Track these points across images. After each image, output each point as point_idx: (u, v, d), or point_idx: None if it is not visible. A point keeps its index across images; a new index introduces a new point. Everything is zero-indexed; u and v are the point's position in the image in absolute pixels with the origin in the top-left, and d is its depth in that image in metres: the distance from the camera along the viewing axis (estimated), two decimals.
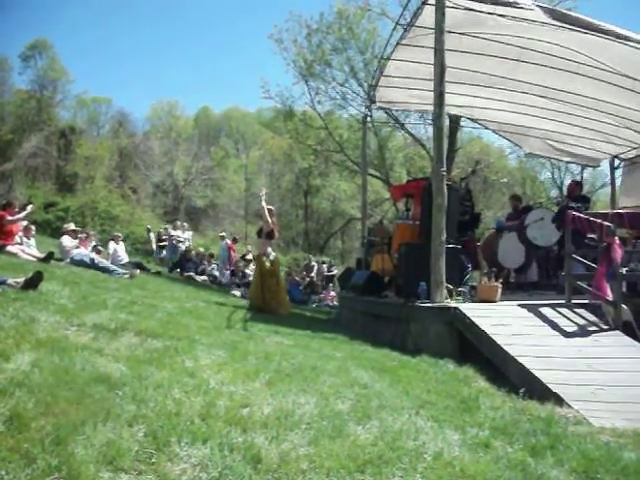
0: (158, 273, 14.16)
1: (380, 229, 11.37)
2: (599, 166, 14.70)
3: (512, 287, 9.67)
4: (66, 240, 11.45)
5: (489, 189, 34.88)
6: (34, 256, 10.10)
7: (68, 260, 10.74)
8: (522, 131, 12.58)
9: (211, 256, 18.62)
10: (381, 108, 14.39)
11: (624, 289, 6.83)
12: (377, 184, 29.22)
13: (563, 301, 7.10)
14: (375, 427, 3.34)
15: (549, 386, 4.70)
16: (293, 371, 4.47)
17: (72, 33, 72.31)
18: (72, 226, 12.45)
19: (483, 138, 31.73)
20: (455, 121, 18.85)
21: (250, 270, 16.03)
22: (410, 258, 8.08)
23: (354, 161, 24.15)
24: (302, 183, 42.82)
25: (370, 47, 21.74)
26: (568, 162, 19.39)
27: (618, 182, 13.27)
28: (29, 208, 11.22)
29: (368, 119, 14.20)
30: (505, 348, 5.51)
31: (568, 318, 6.53)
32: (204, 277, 16.30)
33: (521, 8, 7.43)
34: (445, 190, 7.20)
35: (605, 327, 6.31)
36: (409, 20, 8.71)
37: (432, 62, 7.33)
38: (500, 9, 7.51)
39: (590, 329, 6.26)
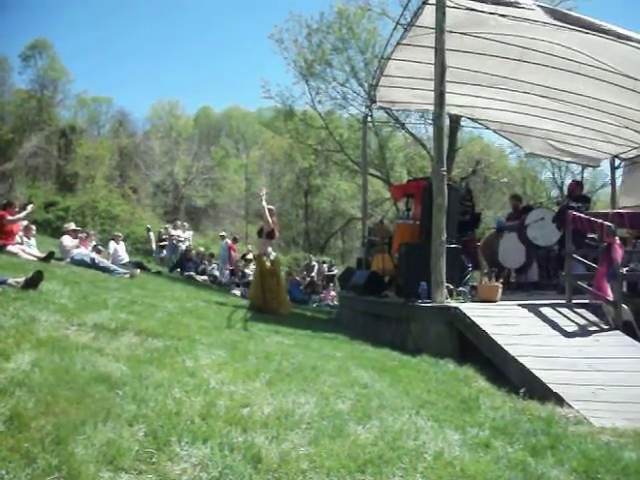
0: (158, 273, 14.17)
1: (380, 229, 11.37)
2: (599, 166, 14.70)
3: (512, 287, 9.67)
4: (66, 240, 11.45)
5: (489, 189, 34.89)
6: (34, 256, 10.11)
7: (68, 260, 10.75)
8: (522, 131, 12.58)
9: (211, 256, 18.64)
10: (381, 108, 14.38)
11: (624, 289, 6.84)
12: (377, 184, 29.21)
13: (563, 301, 7.10)
14: (375, 427, 3.34)
15: (549, 386, 4.70)
16: (293, 371, 4.46)
17: (72, 33, 72.40)
18: (72, 226, 12.45)
19: (483, 138, 31.78)
20: (455, 121, 18.84)
21: (250, 270, 16.04)
22: (410, 258, 8.08)
23: (354, 161, 24.15)
24: (302, 183, 42.83)
25: (370, 47, 21.75)
26: (568, 162, 19.40)
27: (618, 182, 13.28)
28: (29, 208, 11.23)
29: (368, 119, 14.18)
30: (505, 348, 5.51)
31: (568, 318, 6.53)
32: (204, 277, 16.31)
33: (522, 8, 7.43)
34: (445, 190, 7.20)
35: (605, 327, 6.31)
36: (409, 20, 8.71)
37: (433, 62, 7.32)
38: (501, 9, 7.51)
39: (590, 329, 6.26)
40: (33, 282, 6.02)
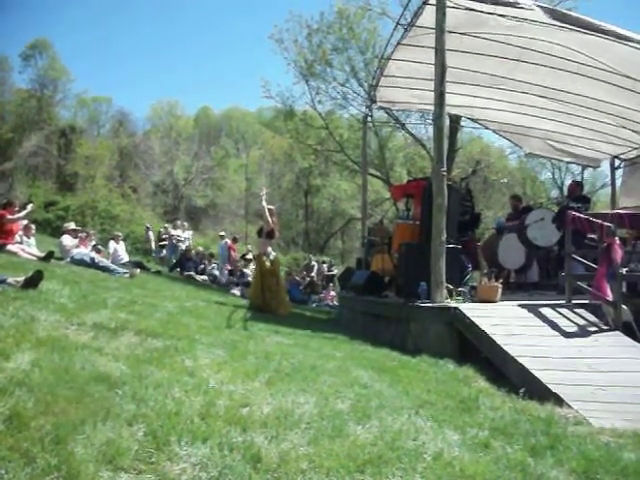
0: (158, 272, 14.18)
1: (380, 229, 11.38)
2: (599, 166, 14.69)
3: (512, 287, 9.66)
4: (66, 239, 11.45)
5: (489, 189, 34.86)
6: (34, 255, 10.10)
7: (68, 259, 10.75)
8: (522, 131, 12.58)
9: (211, 255, 18.65)
10: (382, 108, 14.37)
11: (624, 289, 6.84)
12: (377, 184, 29.22)
13: (563, 301, 7.10)
14: (375, 427, 3.34)
15: (549, 386, 4.70)
16: (293, 371, 4.47)
17: (72, 33, 72.40)
18: (72, 225, 12.45)
19: (483, 138, 31.75)
20: (455, 121, 18.86)
21: (249, 270, 16.05)
22: (410, 258, 8.08)
23: (354, 161, 24.14)
24: (302, 183, 42.89)
25: (371, 47, 21.74)
26: (568, 162, 19.41)
27: (618, 182, 13.28)
28: (29, 207, 11.21)
29: (368, 119, 14.18)
30: (505, 348, 5.51)
31: (568, 318, 6.53)
32: (204, 277, 16.31)
33: (521, 8, 7.43)
34: (445, 190, 7.20)
35: (605, 327, 6.31)
36: (410, 20, 8.71)
37: (433, 62, 7.33)
38: (500, 9, 7.51)
39: (590, 329, 6.26)
40: (33, 281, 6.02)
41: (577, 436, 3.71)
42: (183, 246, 18.93)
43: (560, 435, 3.69)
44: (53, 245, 12.19)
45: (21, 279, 6.05)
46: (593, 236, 8.08)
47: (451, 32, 7.59)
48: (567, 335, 6.05)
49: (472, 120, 13.38)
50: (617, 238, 6.69)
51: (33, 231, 11.56)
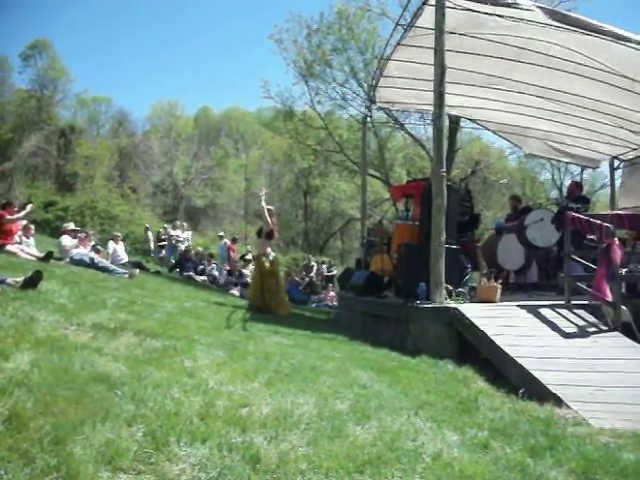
0: (157, 273, 14.17)
1: (380, 229, 11.37)
2: (599, 167, 14.71)
3: (511, 288, 9.67)
4: (65, 239, 11.45)
5: (489, 190, 34.88)
6: (33, 255, 10.10)
7: (67, 259, 10.74)
8: (522, 132, 12.58)
9: (210, 256, 18.64)
10: (381, 108, 14.40)
11: (623, 290, 6.84)
12: (377, 184, 29.25)
13: (562, 302, 7.10)
14: (374, 427, 3.34)
15: (548, 387, 4.70)
16: (292, 371, 4.46)
17: (72, 33, 72.51)
18: (71, 225, 12.45)
19: (483, 139, 31.74)
20: (455, 122, 18.90)
21: (248, 270, 16.05)
22: (410, 258, 8.08)
23: (354, 161, 24.15)
24: (302, 183, 42.90)
25: (370, 47, 21.75)
26: (568, 163, 19.44)
27: (617, 183, 13.28)
28: (29, 207, 11.21)
29: (368, 119, 14.18)
30: (504, 349, 5.51)
31: (567, 319, 6.53)
32: (203, 277, 16.30)
33: (521, 9, 7.44)
34: (445, 191, 7.20)
35: (604, 328, 6.31)
36: (409, 20, 8.71)
37: (432, 62, 7.33)
38: (500, 10, 7.52)
39: (589, 330, 6.26)
40: (32, 282, 6.02)
41: (576, 437, 3.71)
42: (182, 246, 18.93)
43: (559, 436, 3.69)
44: (52, 245, 12.18)
45: (20, 279, 6.04)
46: (592, 237, 8.08)
47: (451, 33, 7.60)
48: (566, 336, 6.05)
49: (471, 121, 13.41)
50: (616, 239, 6.69)
51: (32, 231, 11.56)
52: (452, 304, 6.92)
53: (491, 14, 7.63)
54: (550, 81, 9.39)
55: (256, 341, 5.89)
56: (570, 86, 9.36)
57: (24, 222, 11.18)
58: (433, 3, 7.33)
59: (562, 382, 4.79)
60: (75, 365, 3.52)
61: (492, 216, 27.74)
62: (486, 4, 7.45)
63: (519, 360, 5.23)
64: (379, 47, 19.26)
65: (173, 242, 19.42)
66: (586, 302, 6.93)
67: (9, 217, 10.39)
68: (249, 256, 17.41)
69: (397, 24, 9.48)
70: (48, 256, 9.87)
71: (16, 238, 10.59)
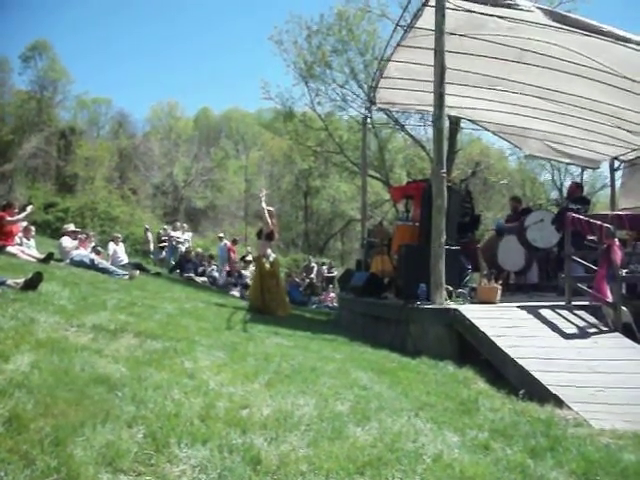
0: (158, 274, 14.17)
1: (380, 230, 11.38)
2: (599, 168, 14.71)
3: (512, 289, 9.66)
4: (66, 241, 11.45)
5: (489, 190, 34.88)
6: (34, 257, 10.09)
7: (68, 261, 10.74)
8: (522, 132, 12.58)
9: (211, 257, 18.63)
10: (381, 109, 14.41)
11: (624, 291, 6.84)
12: (377, 185, 29.23)
13: (563, 303, 7.10)
14: (374, 429, 3.34)
15: (549, 388, 4.70)
16: (293, 372, 4.47)
17: (72, 33, 72.55)
18: (72, 227, 12.46)
19: (483, 140, 31.71)
20: (455, 122, 18.89)
21: (248, 271, 16.05)
22: (410, 259, 8.08)
23: (354, 162, 24.14)
24: (302, 184, 42.86)
25: (370, 48, 21.73)
26: (568, 164, 19.43)
27: (618, 184, 13.28)
28: (29, 209, 11.22)
29: (368, 120, 14.20)
30: (505, 350, 5.51)
31: (568, 320, 6.53)
32: (204, 278, 16.29)
33: (521, 10, 7.44)
34: (445, 192, 7.20)
35: (605, 329, 6.31)
36: (409, 21, 8.72)
37: (432, 63, 7.34)
38: (500, 11, 7.52)
39: (590, 331, 6.26)
40: (32, 283, 6.02)
41: (577, 437, 3.71)
42: (183, 248, 18.92)
43: (560, 437, 3.68)
44: (53, 247, 12.17)
45: (21, 281, 6.05)
46: (593, 237, 8.08)
47: (451, 34, 7.61)
48: (567, 336, 6.05)
49: (472, 121, 13.40)
50: (617, 239, 6.70)
51: (33, 233, 11.55)
52: (452, 305, 6.92)
53: (491, 15, 7.64)
54: (550, 82, 9.40)
55: (256, 342, 5.89)
56: (570, 87, 9.36)
57: (24, 223, 11.19)
58: (433, 4, 7.34)
59: (563, 383, 4.79)
60: (75, 366, 3.52)
61: (492, 217, 27.72)
62: (486, 5, 7.46)
63: (519, 361, 5.23)
64: (379, 48, 19.26)
65: (173, 243, 19.41)
66: (586, 303, 6.93)
67: (9, 218, 10.39)
68: (249, 257, 17.41)
69: (397, 25, 9.49)
70: (48, 257, 9.86)
71: (16, 239, 10.59)
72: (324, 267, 23.13)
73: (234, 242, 20.42)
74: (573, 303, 7.03)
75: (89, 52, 78.44)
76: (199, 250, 20.20)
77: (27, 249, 10.59)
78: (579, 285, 7.12)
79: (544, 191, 37.71)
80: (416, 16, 8.30)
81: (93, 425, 2.71)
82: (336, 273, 21.62)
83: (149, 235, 22.72)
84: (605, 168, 14.29)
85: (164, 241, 20.21)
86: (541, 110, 10.65)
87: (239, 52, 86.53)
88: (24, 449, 2.42)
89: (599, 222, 6.98)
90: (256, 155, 49.19)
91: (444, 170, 7.31)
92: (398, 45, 9.26)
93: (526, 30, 7.91)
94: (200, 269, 16.78)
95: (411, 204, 10.19)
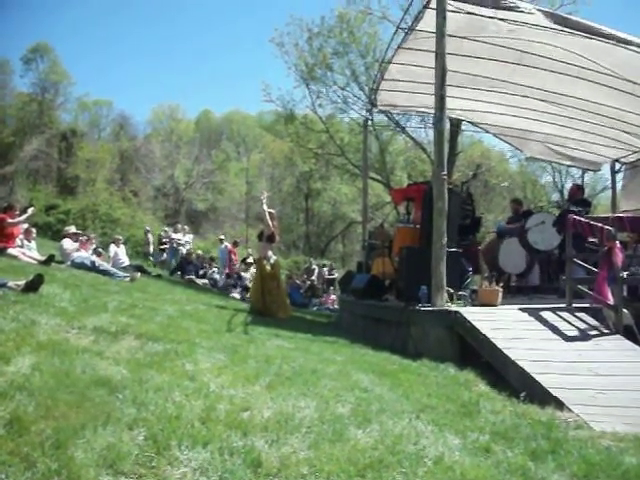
0: (159, 276, 14.18)
1: (381, 232, 11.39)
2: (600, 170, 14.71)
3: (513, 291, 9.67)
4: (67, 243, 11.45)
5: (490, 193, 34.88)
6: (35, 259, 10.09)
7: (69, 263, 10.74)
8: (523, 135, 12.59)
9: (212, 259, 18.64)
10: (382, 112, 14.40)
11: (625, 293, 6.83)
12: (378, 187, 29.22)
13: (564, 305, 7.10)
14: (375, 431, 3.34)
15: (549, 390, 4.70)
16: (293, 374, 4.46)
17: (72, 35, 72.59)
18: (73, 229, 12.45)
19: (484, 142, 31.73)
20: (456, 125, 18.89)
21: (248, 273, 16.06)
22: (411, 262, 8.08)
23: (355, 164, 24.14)
24: (303, 186, 42.87)
25: (371, 51, 21.71)
26: (569, 166, 19.44)
27: (619, 186, 13.28)
28: (30, 211, 11.21)
29: (369, 122, 14.17)
30: (505, 352, 5.51)
31: (569, 322, 6.53)
32: (205, 280, 16.30)
33: (522, 12, 7.44)
34: (446, 194, 7.21)
35: (606, 331, 6.31)
36: (410, 24, 8.71)
37: (433, 66, 7.34)
38: (501, 13, 7.53)
39: (591, 333, 6.26)
40: (33, 285, 6.02)
41: (578, 440, 3.71)
42: (184, 250, 18.93)
43: (561, 439, 3.68)
44: (54, 249, 12.18)
45: (22, 283, 6.04)
46: (594, 240, 8.08)
47: (451, 36, 7.61)
48: (568, 339, 6.05)
49: (472, 124, 13.39)
50: (618, 242, 6.70)
51: (34, 235, 11.56)
52: (453, 307, 6.92)
53: (492, 17, 7.64)
54: (551, 84, 9.40)
55: (257, 344, 5.89)
56: (571, 89, 9.36)
57: (25, 225, 11.19)
58: (434, 6, 7.35)
59: (563, 385, 4.79)
60: (76, 369, 3.52)
61: (493, 219, 27.70)
62: (487, 8, 7.47)
63: (520, 363, 5.23)
64: (380, 50, 19.26)
65: (174, 245, 19.42)
66: (587, 305, 6.93)
67: (10, 220, 10.38)
68: (250, 259, 17.42)
69: (398, 27, 9.47)
70: (49, 259, 9.86)
71: (17, 241, 10.58)
72: (325, 269, 23.11)
73: (235, 244, 20.45)
74: (574, 305, 7.03)
75: (90, 54, 78.56)
76: (199, 252, 20.20)
77: (28, 251, 10.59)
78: (580, 287, 7.13)
79: (545, 193, 37.68)
80: (417, 18, 8.30)
81: (94, 427, 2.71)
82: (337, 275, 21.60)
83: (149, 237, 22.74)
84: (606, 170, 14.32)
85: (165, 243, 20.22)
86: (542, 112, 10.65)
87: (240, 54, 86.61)
88: (25, 451, 2.42)
89: (600, 224, 6.98)
90: (257, 157, 49.23)
91: (445, 172, 7.31)
92: (399, 47, 9.27)
93: (527, 32, 7.91)
94: (201, 271, 16.80)
95: (412, 206, 10.19)
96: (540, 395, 4.71)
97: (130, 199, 38.95)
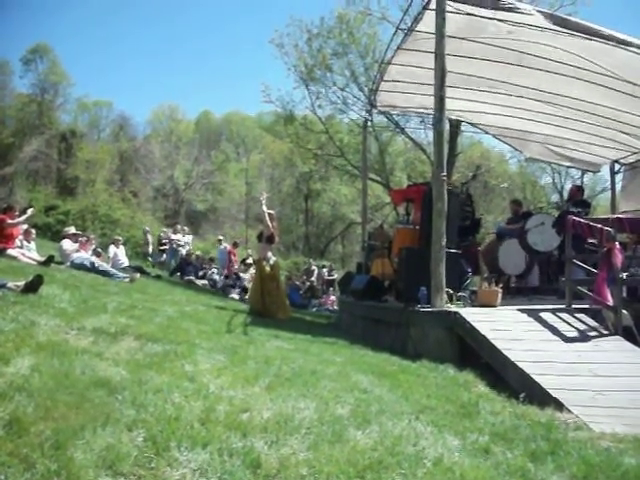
0: (158, 277, 14.17)
1: (380, 233, 11.39)
2: (599, 171, 14.72)
3: (512, 292, 9.67)
4: (66, 244, 11.45)
5: (490, 194, 34.87)
6: (34, 259, 10.09)
7: (68, 264, 10.74)
8: (522, 136, 12.60)
9: (211, 260, 18.65)
10: (382, 112, 14.40)
11: (624, 294, 6.83)
12: (377, 188, 29.24)
13: (563, 306, 7.10)
14: (375, 432, 3.34)
15: (549, 391, 4.70)
16: (293, 375, 4.46)
17: (72, 35, 72.57)
18: (72, 230, 12.45)
19: (483, 143, 31.74)
20: (456, 126, 18.91)
21: (247, 274, 16.06)
22: (410, 263, 8.08)
23: (354, 165, 24.14)
24: (302, 187, 42.89)
25: (371, 51, 21.72)
26: (568, 167, 19.44)
27: (618, 187, 13.28)
28: (29, 212, 11.20)
29: (369, 123, 14.19)
30: (505, 353, 5.51)
31: (568, 323, 6.53)
32: (204, 281, 16.30)
33: (521, 13, 7.44)
34: (445, 195, 7.21)
35: (605, 332, 6.31)
36: (410, 25, 8.72)
37: (433, 66, 7.35)
38: (500, 14, 7.53)
39: (590, 334, 6.26)
40: (33, 286, 6.02)
41: (577, 441, 3.71)
42: (183, 251, 18.93)
43: (560, 440, 3.68)
44: (53, 249, 12.18)
45: (21, 284, 6.04)
46: (593, 241, 8.08)
47: (451, 37, 7.61)
48: (567, 340, 6.05)
49: (472, 125, 13.40)
50: (617, 243, 6.70)
51: (33, 235, 11.56)
52: (453, 308, 6.92)
53: (491, 18, 7.65)
54: (551, 85, 9.40)
55: (257, 345, 5.89)
56: (571, 90, 9.37)
57: (25, 226, 11.19)
58: (433, 7, 7.35)
59: (563, 386, 4.79)
60: (76, 370, 3.52)
61: (493, 220, 27.69)
62: (486, 9, 7.47)
63: (520, 364, 5.23)
64: (380, 51, 19.25)
65: (174, 246, 19.42)
66: (587, 306, 6.94)
67: (10, 221, 10.38)
68: (250, 260, 17.41)
69: (398, 28, 9.48)
70: (49, 260, 9.86)
71: (17, 242, 10.59)
72: (324, 270, 23.10)
73: (235, 245, 20.45)
74: (574, 306, 7.03)
75: (90, 54, 78.48)
76: (199, 253, 20.19)
77: (28, 252, 10.59)
78: (579, 288, 7.13)
79: (545, 194, 37.67)
80: (417, 19, 8.31)
81: (93, 428, 2.71)
82: (336, 276, 21.59)
83: (148, 237, 22.72)
84: (606, 171, 14.33)
85: (165, 244, 20.22)
86: (542, 113, 10.65)
87: (240, 55, 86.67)
88: (24, 452, 2.42)
89: (600, 225, 6.98)
90: (257, 158, 49.22)
91: (444, 173, 7.31)
92: (399, 48, 9.27)
93: (526, 34, 7.92)
94: (200, 272, 16.80)
95: (412, 207, 10.19)
96: (540, 396, 4.71)
97: (130, 200, 38.90)
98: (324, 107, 23.31)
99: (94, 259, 11.24)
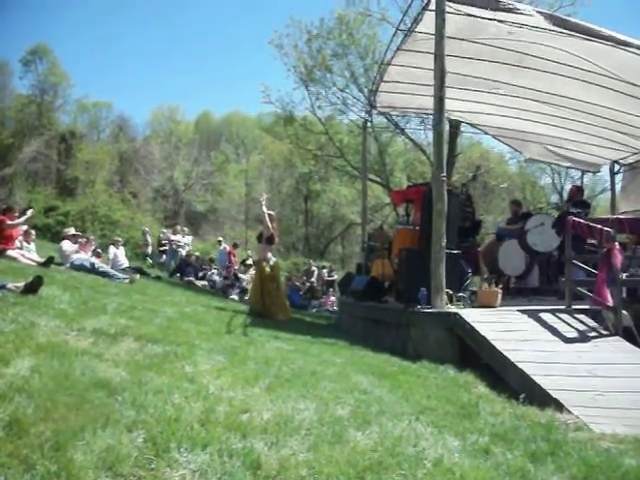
0: (158, 278, 14.17)
1: (380, 234, 11.38)
2: (599, 171, 14.73)
3: (512, 292, 9.67)
4: (66, 245, 11.45)
5: (489, 194, 34.85)
6: (34, 260, 10.10)
7: (68, 265, 10.74)
8: (522, 136, 12.61)
9: (211, 261, 18.66)
10: (381, 113, 14.40)
11: (624, 295, 6.83)
12: (377, 189, 29.24)
13: (563, 307, 7.10)
14: (375, 433, 3.33)
15: (549, 392, 4.69)
16: (293, 376, 4.46)
17: (72, 36, 72.39)
18: (72, 231, 12.46)
19: (483, 143, 31.69)
20: (455, 126, 18.89)
21: (247, 275, 16.06)
22: (410, 263, 8.08)
23: (354, 166, 24.14)
24: (302, 188, 42.88)
25: (370, 52, 21.72)
26: (568, 167, 19.43)
27: (618, 187, 13.29)
28: (29, 212, 11.21)
29: (368, 124, 14.19)
30: (505, 354, 5.50)
31: (568, 324, 6.53)
32: (204, 282, 16.31)
33: (521, 14, 7.45)
34: (445, 196, 7.21)
35: (605, 333, 6.31)
36: (409, 26, 8.73)
37: (432, 67, 7.35)
38: (500, 15, 7.53)
39: (590, 335, 6.26)
40: (33, 287, 6.02)
41: (578, 442, 3.70)
42: (183, 251, 18.94)
43: (560, 441, 3.68)
44: (53, 250, 12.19)
45: (21, 285, 6.04)
46: (593, 241, 8.08)
47: (451, 38, 7.61)
48: (567, 340, 6.04)
49: (472, 125, 13.40)
50: (617, 243, 6.70)
51: (33, 236, 11.56)
52: (453, 309, 6.92)
53: (491, 19, 7.65)
54: (550, 85, 9.41)
55: (256, 346, 5.89)
56: (570, 91, 9.37)
57: (25, 227, 11.19)
58: (433, 8, 7.35)
59: (563, 387, 4.79)
60: (75, 371, 3.52)
61: (493, 221, 27.72)
62: (486, 9, 7.47)
63: (520, 365, 5.23)
64: (379, 52, 19.25)
65: (174, 247, 19.43)
66: (587, 307, 6.94)
67: (10, 222, 10.38)
68: (249, 261, 17.41)
69: (397, 29, 9.48)
70: (49, 261, 9.87)
71: (17, 243, 10.59)
72: (324, 271, 23.11)
73: (235, 246, 20.46)
74: (573, 307, 7.03)
75: (89, 55, 78.47)
76: (199, 254, 20.20)
77: (27, 253, 10.59)
78: (579, 289, 7.13)
79: (544, 195, 37.64)
80: (416, 20, 8.32)
81: (93, 429, 2.70)
82: (336, 277, 21.60)
83: (148, 238, 22.71)
84: (605, 172, 14.34)
85: (164, 245, 20.22)
86: (541, 114, 10.66)
87: (240, 55, 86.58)
88: (24, 453, 2.42)
89: (599, 226, 6.98)
90: (256, 159, 49.17)
91: (444, 174, 7.31)
92: (398, 49, 9.28)
93: (526, 34, 7.92)
94: (200, 273, 16.80)
95: (411, 208, 10.19)
96: (540, 397, 4.70)
97: (129, 201, 38.85)
98: (324, 108, 23.35)
99: (94, 260, 11.25)
